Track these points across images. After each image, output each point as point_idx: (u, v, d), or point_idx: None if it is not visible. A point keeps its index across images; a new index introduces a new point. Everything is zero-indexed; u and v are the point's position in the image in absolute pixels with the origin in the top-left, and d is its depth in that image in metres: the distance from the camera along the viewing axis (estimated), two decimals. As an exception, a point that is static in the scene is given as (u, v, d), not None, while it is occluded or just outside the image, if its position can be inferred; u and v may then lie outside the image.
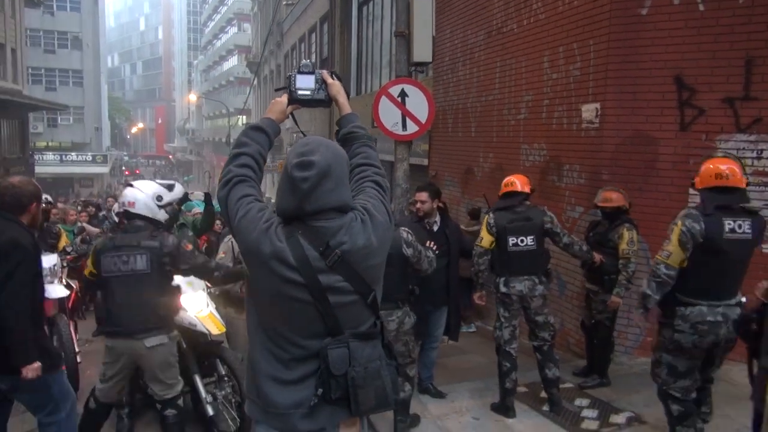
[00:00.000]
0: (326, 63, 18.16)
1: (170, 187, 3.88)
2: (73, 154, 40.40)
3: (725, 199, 3.44)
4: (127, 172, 51.97)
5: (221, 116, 48.45)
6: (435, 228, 4.83)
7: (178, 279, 4.15)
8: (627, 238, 4.83)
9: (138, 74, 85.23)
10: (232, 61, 51.19)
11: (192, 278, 4.29)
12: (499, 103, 7.74)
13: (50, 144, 40.23)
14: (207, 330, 4.04)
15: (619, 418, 4.51)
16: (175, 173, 58.35)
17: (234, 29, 51.26)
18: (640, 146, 5.62)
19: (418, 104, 6.15)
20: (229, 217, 1.88)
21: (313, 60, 19.92)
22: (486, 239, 4.63)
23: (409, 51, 6.31)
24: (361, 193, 1.93)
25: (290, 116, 2.17)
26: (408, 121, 6.11)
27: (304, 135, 2.15)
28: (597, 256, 4.89)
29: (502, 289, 4.59)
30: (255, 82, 30.72)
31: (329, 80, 2.12)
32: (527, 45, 7.07)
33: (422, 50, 6.31)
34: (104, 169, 42.75)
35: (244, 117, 36.20)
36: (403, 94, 6.13)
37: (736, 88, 5.23)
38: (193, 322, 4.04)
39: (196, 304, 4.15)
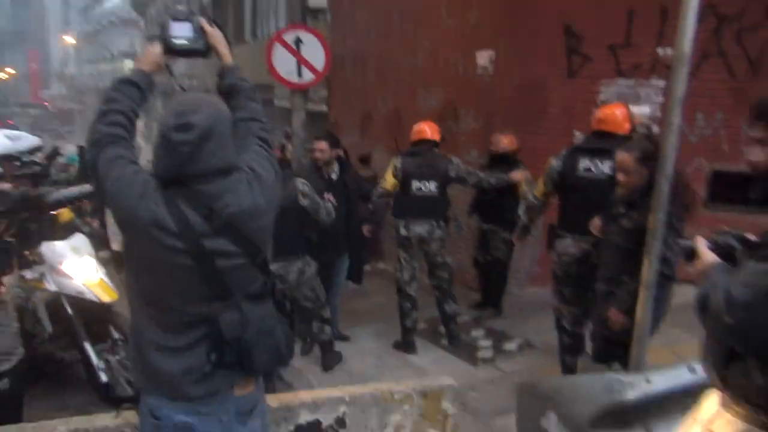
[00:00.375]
0: (219, 4, 17.15)
1: (15, 138, 3.51)
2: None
3: (590, 141, 3.81)
4: (-2, 123, 46.94)
5: (105, 60, 44.76)
6: (334, 177, 4.82)
7: (59, 245, 3.89)
8: (524, 178, 5.01)
9: (4, 13, 76.43)
10: (115, 0, 47.01)
11: (77, 243, 4.01)
12: (398, 49, 7.69)
13: None
14: (97, 298, 3.79)
15: (512, 345, 4.84)
16: (55, 123, 53.56)
17: (115, -36, 46.89)
18: (532, 92, 5.82)
19: (314, 52, 5.91)
20: (99, 181, 1.73)
21: (205, 1, 18.72)
22: (389, 182, 4.68)
23: (305, -5, 6.08)
24: (246, 150, 1.83)
25: (166, 68, 2.01)
26: (303, 68, 5.91)
27: (183, 90, 2.02)
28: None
29: (402, 232, 4.69)
30: (142, 24, 28.54)
31: (208, 28, 1.97)
32: (425, -10, 7.02)
33: (318, -5, 6.10)
34: (-32, 121, 38.64)
35: (131, 61, 33.70)
36: (298, 41, 5.89)
37: (619, 36, 5.51)
38: (81, 290, 3.77)
39: (84, 270, 3.86)
